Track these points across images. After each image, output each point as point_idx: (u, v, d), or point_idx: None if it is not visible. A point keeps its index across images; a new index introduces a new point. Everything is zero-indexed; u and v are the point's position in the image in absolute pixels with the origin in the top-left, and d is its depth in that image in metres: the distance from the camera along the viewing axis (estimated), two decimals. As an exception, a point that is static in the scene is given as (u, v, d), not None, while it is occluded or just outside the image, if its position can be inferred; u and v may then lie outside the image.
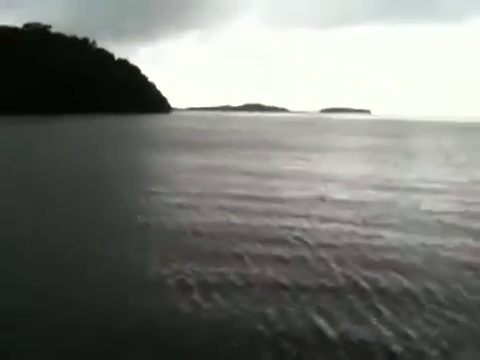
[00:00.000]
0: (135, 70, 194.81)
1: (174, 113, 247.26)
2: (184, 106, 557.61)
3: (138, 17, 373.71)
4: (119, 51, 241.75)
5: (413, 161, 26.35)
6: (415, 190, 15.85)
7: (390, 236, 9.88)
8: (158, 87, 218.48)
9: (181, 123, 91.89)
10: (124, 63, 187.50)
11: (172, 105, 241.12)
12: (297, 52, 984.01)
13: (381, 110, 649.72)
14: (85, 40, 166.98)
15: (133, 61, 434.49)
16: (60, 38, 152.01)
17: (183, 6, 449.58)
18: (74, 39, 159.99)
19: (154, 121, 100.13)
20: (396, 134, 60.74)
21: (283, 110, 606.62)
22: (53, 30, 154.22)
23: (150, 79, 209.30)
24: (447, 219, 11.49)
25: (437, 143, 43.27)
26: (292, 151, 30.85)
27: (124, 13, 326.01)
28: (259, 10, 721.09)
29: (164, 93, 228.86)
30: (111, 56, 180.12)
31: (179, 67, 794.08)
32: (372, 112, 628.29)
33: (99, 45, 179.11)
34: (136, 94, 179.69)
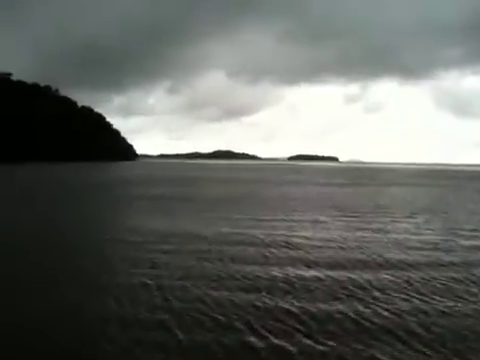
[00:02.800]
0: (99, 117, 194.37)
1: (141, 160, 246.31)
2: (155, 153, 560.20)
3: (110, 67, 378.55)
4: (91, 100, 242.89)
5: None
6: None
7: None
8: (125, 134, 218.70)
9: (136, 170, 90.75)
10: (88, 111, 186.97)
11: (143, 152, 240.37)
12: (265, 103, 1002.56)
13: (348, 157, 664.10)
14: (47, 87, 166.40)
15: (107, 109, 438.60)
16: (21, 86, 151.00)
17: (152, 58, 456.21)
18: (36, 86, 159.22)
19: (112, 169, 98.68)
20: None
21: (253, 157, 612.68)
22: (18, 78, 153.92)
23: (116, 126, 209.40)
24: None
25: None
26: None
27: (97, 64, 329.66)
28: (226, 64, 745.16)
29: (134, 140, 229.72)
30: (74, 103, 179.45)
31: (150, 115, 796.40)
32: (340, 159, 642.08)
33: (70, 94, 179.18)
34: (100, 141, 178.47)
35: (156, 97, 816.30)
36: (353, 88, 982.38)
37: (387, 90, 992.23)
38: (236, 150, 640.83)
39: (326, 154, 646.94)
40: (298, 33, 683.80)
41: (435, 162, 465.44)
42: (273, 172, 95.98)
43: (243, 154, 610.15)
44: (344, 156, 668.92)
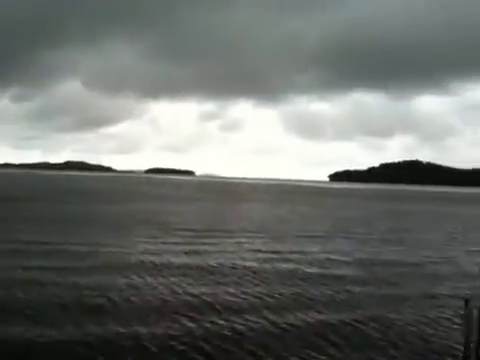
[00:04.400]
0: None
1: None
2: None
3: None
4: None
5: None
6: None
7: None
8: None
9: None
10: None
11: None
12: (123, 116, 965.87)
13: (204, 171, 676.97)
14: None
15: None
16: None
17: (1, 61, 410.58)
18: None
19: None
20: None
21: (108, 169, 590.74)
22: None
23: None
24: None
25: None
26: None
27: None
28: (84, 73, 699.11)
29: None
30: None
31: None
32: (196, 173, 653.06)
33: None
34: None
35: (3, 103, 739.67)
36: (212, 106, 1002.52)
37: (243, 111, 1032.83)
38: (90, 161, 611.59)
39: (183, 168, 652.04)
40: (164, 49, 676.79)
41: (283, 178, 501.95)
42: (115, 185, 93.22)
43: (97, 166, 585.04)
44: (200, 170, 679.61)
